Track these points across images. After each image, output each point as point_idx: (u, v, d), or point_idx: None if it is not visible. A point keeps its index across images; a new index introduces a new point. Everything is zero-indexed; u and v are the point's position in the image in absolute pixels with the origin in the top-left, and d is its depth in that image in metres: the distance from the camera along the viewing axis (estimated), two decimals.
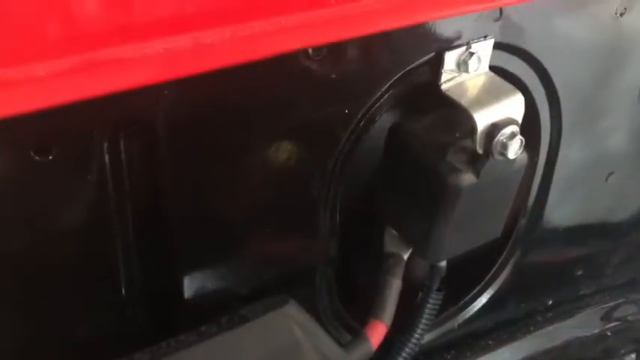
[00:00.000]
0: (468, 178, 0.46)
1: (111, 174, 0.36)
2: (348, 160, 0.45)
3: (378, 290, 0.49)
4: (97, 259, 0.38)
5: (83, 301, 0.39)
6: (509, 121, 0.45)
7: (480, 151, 0.45)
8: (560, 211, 0.65)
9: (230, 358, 0.35)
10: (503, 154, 0.45)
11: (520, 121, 0.46)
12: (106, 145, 0.35)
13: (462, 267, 0.58)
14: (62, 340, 0.41)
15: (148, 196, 0.38)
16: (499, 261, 0.62)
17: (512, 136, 0.45)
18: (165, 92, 0.35)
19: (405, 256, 0.52)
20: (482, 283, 0.62)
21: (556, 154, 0.59)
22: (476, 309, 0.63)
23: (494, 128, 0.45)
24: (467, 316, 0.63)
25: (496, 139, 0.45)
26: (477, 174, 0.46)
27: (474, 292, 0.62)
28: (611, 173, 0.65)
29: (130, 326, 0.42)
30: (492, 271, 0.62)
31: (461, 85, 0.47)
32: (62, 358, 0.41)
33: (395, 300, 0.49)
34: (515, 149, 0.45)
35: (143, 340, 0.43)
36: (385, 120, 0.46)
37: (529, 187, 0.60)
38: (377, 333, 0.47)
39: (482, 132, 0.45)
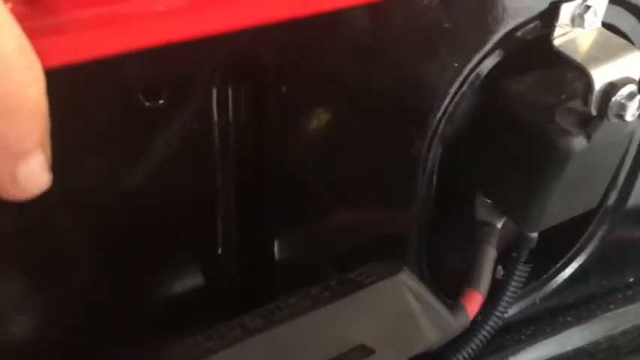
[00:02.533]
0: (579, 142, 0.43)
1: (218, 123, 0.34)
2: (451, 119, 0.42)
3: (473, 259, 0.46)
4: (198, 212, 0.37)
5: (179, 255, 0.38)
6: (628, 80, 0.42)
7: (594, 113, 0.42)
8: None
9: (347, 325, 0.33)
10: (621, 116, 0.42)
11: (637, 79, 0.43)
12: (214, 91, 0.33)
13: (548, 239, 0.55)
14: (156, 297, 0.39)
15: (251, 149, 0.36)
16: (585, 234, 0.59)
17: (631, 96, 0.42)
18: (277, 39, 0.33)
19: (499, 225, 0.49)
20: (567, 256, 0.59)
21: None
22: (558, 284, 0.60)
23: (612, 87, 0.41)
24: (548, 290, 0.60)
25: (613, 99, 0.42)
26: (589, 137, 0.43)
27: (558, 265, 0.59)
28: None
29: (224, 285, 0.40)
30: (577, 245, 0.59)
31: (574, 41, 0.43)
32: (154, 315, 0.40)
33: (491, 269, 0.46)
34: (633, 111, 0.42)
35: (235, 300, 0.41)
36: (492, 77, 0.43)
37: (624, 159, 0.57)
38: (473, 303, 0.44)
39: (599, 91, 0.42)
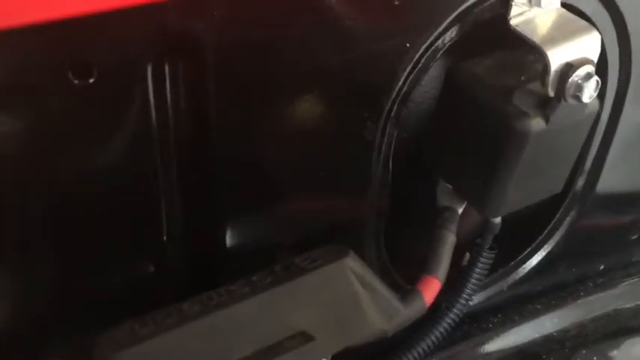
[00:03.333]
0: (537, 123, 0.42)
1: (154, 103, 0.33)
2: (405, 101, 0.41)
3: (431, 245, 0.45)
4: (138, 197, 0.35)
5: (122, 243, 0.37)
6: (585, 61, 0.41)
7: (552, 94, 0.41)
8: (619, 172, 0.60)
9: (287, 311, 0.32)
10: (577, 97, 0.41)
11: (595, 61, 0.42)
12: (149, 69, 0.32)
13: (513, 226, 0.54)
14: (99, 284, 0.38)
15: (192, 130, 0.35)
16: (553, 221, 0.59)
17: (588, 77, 0.41)
18: (215, 13, 0.32)
19: (460, 210, 0.49)
20: (535, 243, 0.59)
21: (621, 108, 0.55)
22: (526, 271, 0.59)
23: (569, 68, 0.41)
24: (516, 278, 0.59)
25: (570, 80, 0.41)
26: (547, 119, 0.42)
27: (525, 253, 0.59)
28: None
29: (170, 273, 0.39)
30: (545, 232, 0.59)
31: (531, 20, 0.42)
32: (100, 304, 0.38)
33: (449, 256, 0.46)
34: (590, 92, 0.41)
35: (183, 287, 0.40)
36: (446, 59, 0.42)
37: (590, 143, 0.56)
38: (431, 289, 0.43)
39: (556, 72, 0.41)
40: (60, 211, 0.34)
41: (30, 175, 0.32)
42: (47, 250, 0.36)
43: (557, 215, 0.59)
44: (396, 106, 0.41)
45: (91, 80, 0.30)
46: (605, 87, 0.53)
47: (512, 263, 0.59)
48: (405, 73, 0.40)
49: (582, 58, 0.41)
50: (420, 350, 0.52)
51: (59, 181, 0.32)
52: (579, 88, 0.41)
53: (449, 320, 0.53)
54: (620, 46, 0.50)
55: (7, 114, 0.29)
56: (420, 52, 0.40)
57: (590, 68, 0.41)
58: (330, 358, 0.37)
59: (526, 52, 0.45)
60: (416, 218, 0.50)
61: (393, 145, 0.43)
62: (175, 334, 0.30)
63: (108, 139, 0.33)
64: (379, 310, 0.35)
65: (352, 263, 0.35)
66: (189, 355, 0.30)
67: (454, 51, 0.43)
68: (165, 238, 0.37)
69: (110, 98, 0.32)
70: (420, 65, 0.40)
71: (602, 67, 0.51)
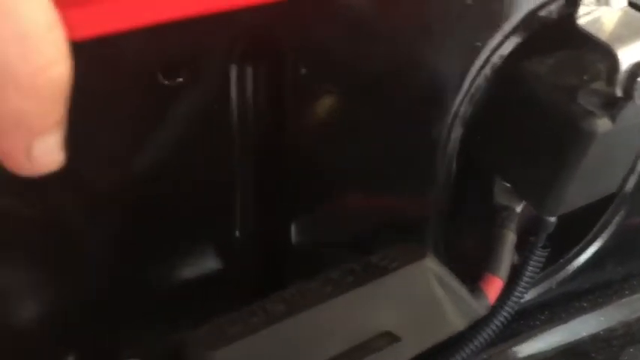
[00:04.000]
0: (603, 123, 0.42)
1: (236, 103, 0.33)
2: (472, 100, 0.41)
3: (492, 244, 0.46)
4: (215, 193, 0.36)
5: (196, 238, 0.37)
6: None
7: (620, 94, 0.41)
8: None
9: (371, 311, 0.33)
10: None
11: None
12: (233, 70, 0.32)
13: (565, 223, 0.54)
14: (170, 280, 0.39)
15: (270, 130, 0.35)
16: (602, 219, 0.59)
17: None
18: (297, 18, 0.32)
19: (518, 209, 0.49)
20: (584, 241, 0.58)
21: None
22: (574, 269, 0.59)
23: (638, 68, 0.41)
24: (565, 275, 0.59)
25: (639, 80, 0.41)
26: (614, 119, 0.42)
27: (575, 250, 0.59)
28: None
29: (240, 269, 0.39)
30: (594, 230, 0.59)
31: (599, 20, 0.42)
32: (170, 300, 0.39)
33: (510, 254, 0.46)
34: None
35: (251, 284, 0.41)
36: (514, 58, 0.42)
37: None
38: (493, 288, 0.44)
39: (625, 71, 0.40)
40: (140, 206, 0.34)
41: (119, 172, 0.32)
42: (122, 245, 0.37)
43: (607, 214, 0.59)
44: (462, 106, 0.41)
45: (179, 80, 0.31)
46: None
47: (562, 261, 0.59)
48: (473, 73, 0.40)
49: None
50: (473, 347, 0.52)
51: (144, 176, 0.33)
52: None
53: (501, 318, 0.53)
54: None
55: (100, 115, 0.30)
56: (488, 52, 0.40)
57: None
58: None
59: (589, 52, 0.44)
60: (475, 217, 0.50)
61: (457, 144, 0.43)
62: (264, 335, 0.31)
63: (191, 137, 0.33)
64: (458, 310, 0.36)
65: (431, 264, 0.35)
66: (279, 355, 0.31)
67: (521, 51, 0.43)
68: (237, 233, 0.38)
69: (196, 98, 0.32)
70: (487, 65, 0.40)
71: None
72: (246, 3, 0.27)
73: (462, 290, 0.37)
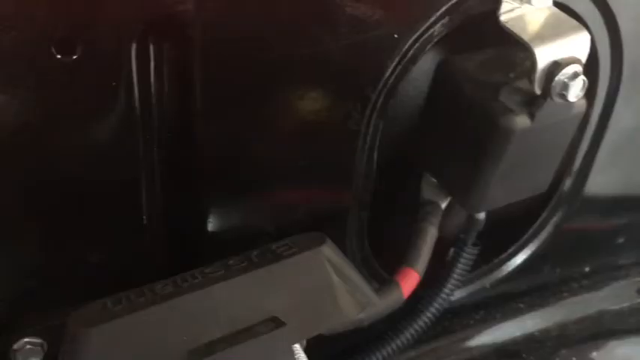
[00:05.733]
0: (521, 121, 0.42)
1: (138, 84, 0.33)
2: (392, 93, 0.41)
3: (412, 237, 0.46)
4: (119, 177, 0.35)
5: (101, 225, 0.37)
6: (572, 60, 0.41)
7: (538, 92, 0.41)
8: (607, 174, 0.60)
9: (260, 296, 0.33)
10: (563, 96, 0.41)
11: (584, 61, 0.42)
12: (134, 48, 0.32)
13: (499, 223, 0.54)
14: (78, 264, 0.38)
15: (176, 113, 0.35)
16: (539, 221, 0.59)
17: (575, 76, 0.41)
18: None
19: (443, 205, 0.49)
20: (519, 242, 0.59)
21: (611, 110, 0.55)
22: (510, 269, 0.60)
23: (556, 66, 0.41)
24: (500, 275, 0.59)
25: (557, 79, 0.41)
26: (532, 117, 0.42)
27: (510, 251, 0.59)
28: None
29: (150, 257, 0.39)
30: (530, 231, 0.59)
31: (521, 18, 0.42)
32: (78, 283, 0.39)
33: (430, 249, 0.46)
34: (576, 91, 0.41)
35: (163, 272, 0.40)
36: (435, 52, 0.42)
37: (578, 144, 0.56)
38: (409, 281, 0.44)
39: (543, 70, 0.41)
40: (39, 189, 0.34)
41: (8, 150, 0.32)
42: (26, 228, 0.36)
43: (544, 215, 0.59)
44: (382, 98, 0.41)
45: (75, 57, 0.30)
46: (596, 87, 0.53)
47: (496, 261, 0.59)
48: (393, 65, 0.40)
49: (570, 57, 0.41)
50: (399, 343, 0.52)
51: (38, 157, 0.33)
52: (565, 86, 0.41)
53: (429, 314, 0.53)
54: (611, 46, 0.50)
55: None
56: (409, 43, 0.40)
57: (578, 67, 0.41)
58: (304, 343, 0.37)
59: (516, 50, 0.45)
60: (400, 210, 0.50)
61: (378, 137, 0.43)
62: (147, 314, 0.31)
63: (89, 118, 0.33)
64: (353, 299, 0.35)
65: (328, 252, 0.35)
66: (159, 335, 0.31)
67: (444, 45, 0.43)
68: (145, 219, 0.38)
69: (93, 76, 0.32)
70: (407, 58, 0.40)
71: (593, 67, 0.51)
72: None
73: (360, 279, 0.37)
